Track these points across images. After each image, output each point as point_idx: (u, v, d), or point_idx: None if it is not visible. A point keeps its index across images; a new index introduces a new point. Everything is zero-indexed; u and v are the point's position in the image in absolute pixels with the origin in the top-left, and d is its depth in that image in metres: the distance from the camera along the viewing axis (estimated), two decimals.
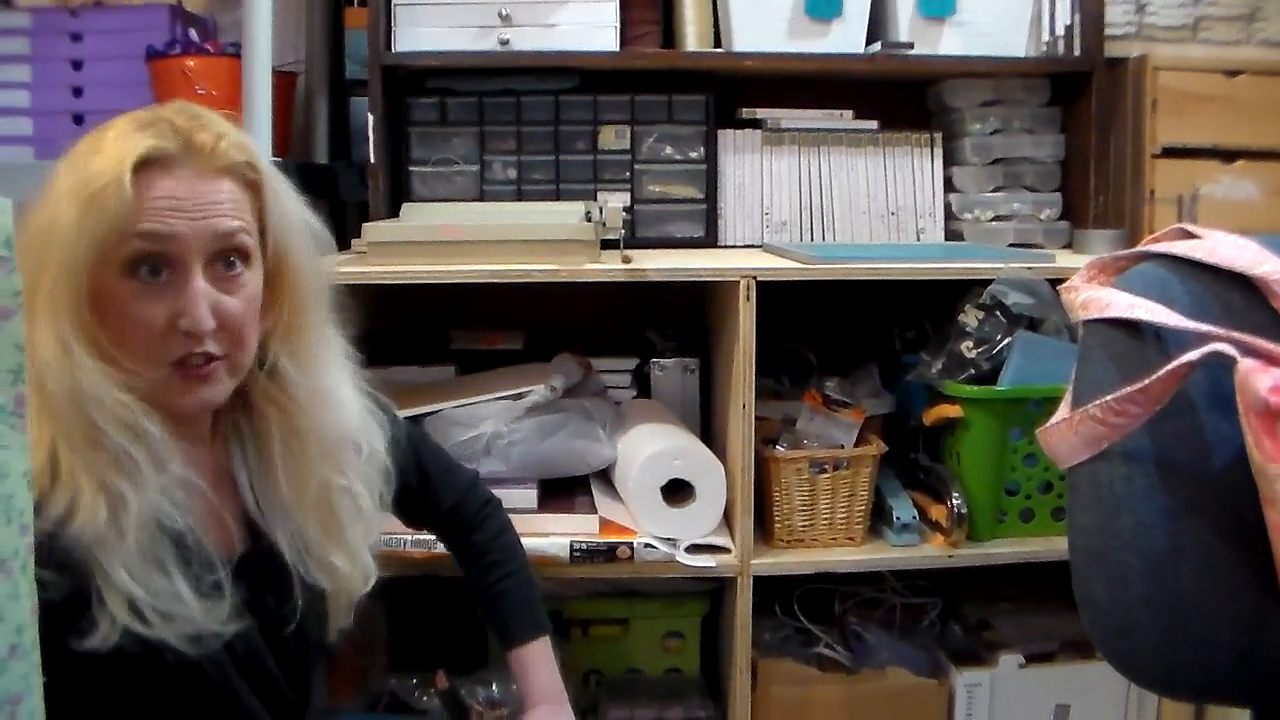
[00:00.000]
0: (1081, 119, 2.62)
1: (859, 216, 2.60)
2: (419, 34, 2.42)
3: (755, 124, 2.59)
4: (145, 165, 1.19)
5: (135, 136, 1.20)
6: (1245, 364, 1.05)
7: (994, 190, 2.64)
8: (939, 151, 2.64)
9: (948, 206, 2.65)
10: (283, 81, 2.43)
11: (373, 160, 2.39)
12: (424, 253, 2.00)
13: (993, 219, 2.63)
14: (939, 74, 2.66)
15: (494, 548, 1.76)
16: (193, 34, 2.39)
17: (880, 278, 2.06)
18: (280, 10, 2.35)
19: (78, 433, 1.15)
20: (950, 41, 2.55)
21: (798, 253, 2.18)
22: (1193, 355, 1.07)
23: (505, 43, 2.40)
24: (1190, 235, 1.27)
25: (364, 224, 2.13)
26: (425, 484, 1.72)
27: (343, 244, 2.49)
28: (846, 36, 2.51)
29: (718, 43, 2.54)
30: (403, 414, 2.06)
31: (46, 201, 1.19)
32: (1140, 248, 1.28)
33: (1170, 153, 2.56)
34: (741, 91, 2.65)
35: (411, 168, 2.52)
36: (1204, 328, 1.11)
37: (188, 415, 1.29)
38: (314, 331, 1.38)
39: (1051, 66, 2.63)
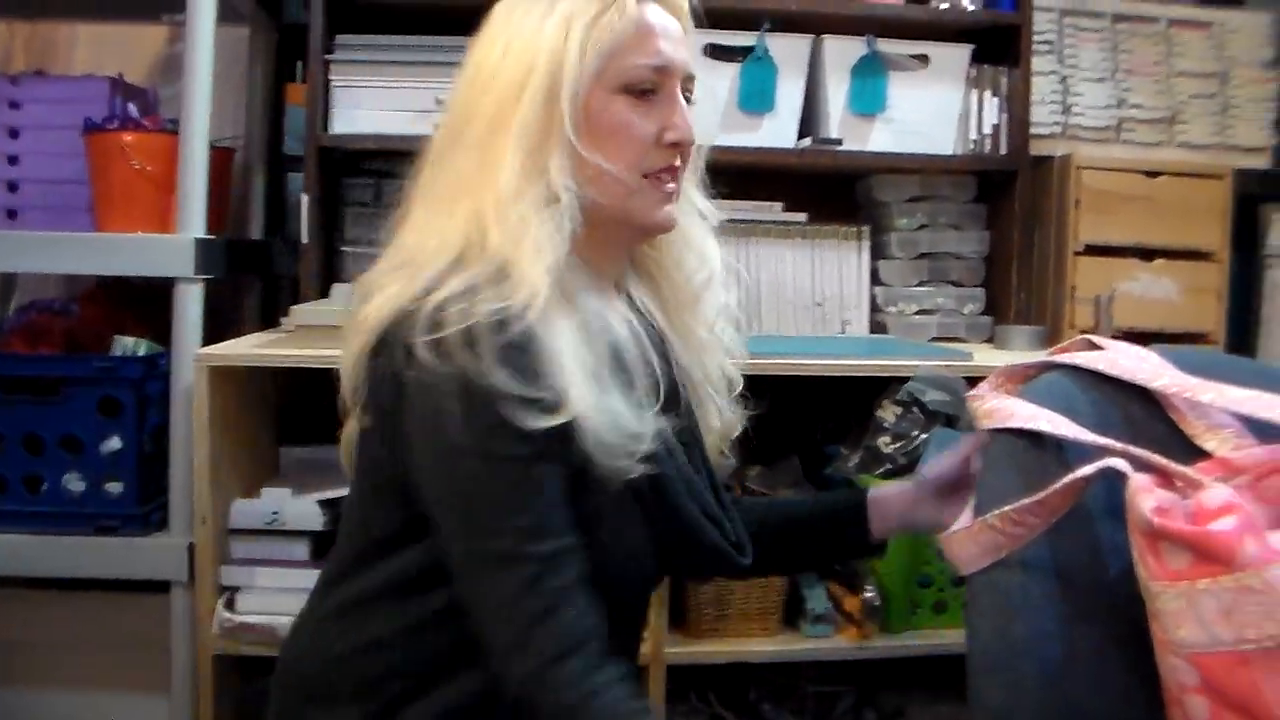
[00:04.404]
0: (1006, 216, 2.68)
1: (785, 307, 2.64)
2: (356, 116, 2.44)
3: None
4: None
5: None
6: (1134, 481, 1.07)
7: (919, 284, 2.69)
8: (866, 245, 2.69)
9: (873, 299, 2.70)
10: (220, 157, 2.44)
11: (305, 240, 2.41)
12: None
13: (917, 312, 2.67)
14: (868, 169, 2.71)
15: None
16: (132, 108, 2.40)
17: (797, 374, 2.10)
18: (220, 84, 2.36)
19: (551, 252, 1.22)
20: (880, 138, 2.60)
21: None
22: (1086, 471, 1.09)
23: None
24: (1095, 346, 1.31)
25: (292, 306, 2.16)
26: None
27: (274, 321, 2.51)
28: (778, 131, 2.57)
29: None
30: (331, 494, 2.08)
31: (506, 34, 1.30)
32: (1045, 358, 1.32)
33: (1092, 250, 2.62)
34: None
35: (344, 247, 2.54)
36: (1101, 441, 1.13)
37: (650, 231, 1.37)
38: (688, 186, 1.44)
39: (978, 164, 2.69)
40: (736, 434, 1.50)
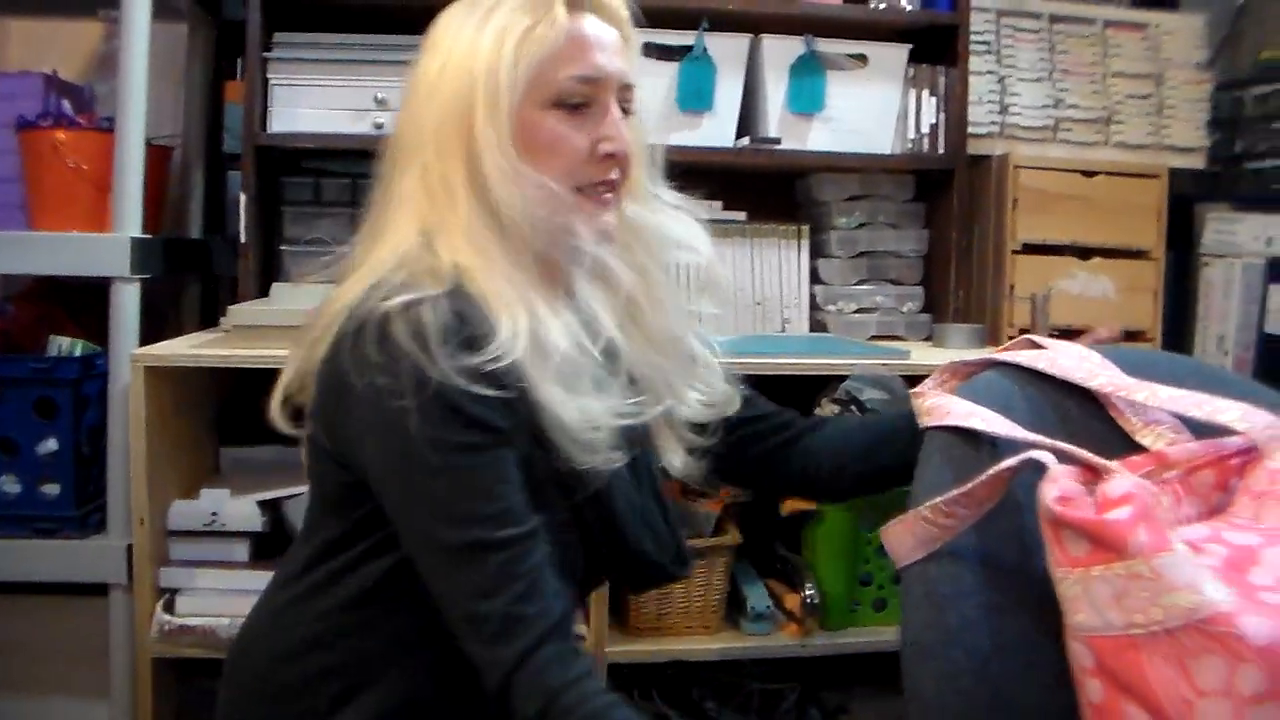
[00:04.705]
0: (945, 215, 2.70)
1: (725, 306, 2.63)
2: (295, 115, 2.43)
3: None
4: (569, 7, 1.30)
5: None
6: (1050, 472, 1.09)
7: (858, 283, 2.71)
8: (806, 243, 2.71)
9: (813, 298, 2.71)
10: (157, 154, 2.42)
11: (244, 239, 2.39)
12: (287, 336, 1.99)
13: (856, 311, 2.69)
14: (806, 168, 2.72)
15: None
16: (66, 105, 2.37)
17: (738, 373, 2.10)
18: (158, 82, 2.34)
19: (508, 263, 1.25)
20: (818, 137, 2.62)
21: None
22: (1011, 461, 1.12)
23: (380, 127, 2.41)
24: (1037, 345, 1.33)
25: (230, 306, 2.15)
26: None
27: (214, 320, 2.49)
28: (717, 130, 2.58)
29: None
30: (270, 495, 2.08)
31: (447, 46, 1.30)
32: (987, 356, 1.34)
33: (1030, 249, 2.65)
34: None
35: (283, 246, 2.52)
36: (1030, 436, 1.15)
37: (588, 240, 1.34)
38: (649, 184, 1.45)
39: (916, 163, 2.71)
40: (734, 409, 1.50)
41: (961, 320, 2.66)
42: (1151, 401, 1.21)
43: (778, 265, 2.68)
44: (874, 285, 2.73)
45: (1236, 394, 1.21)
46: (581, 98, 1.30)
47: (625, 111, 1.35)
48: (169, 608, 2.05)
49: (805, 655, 2.21)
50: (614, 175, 1.33)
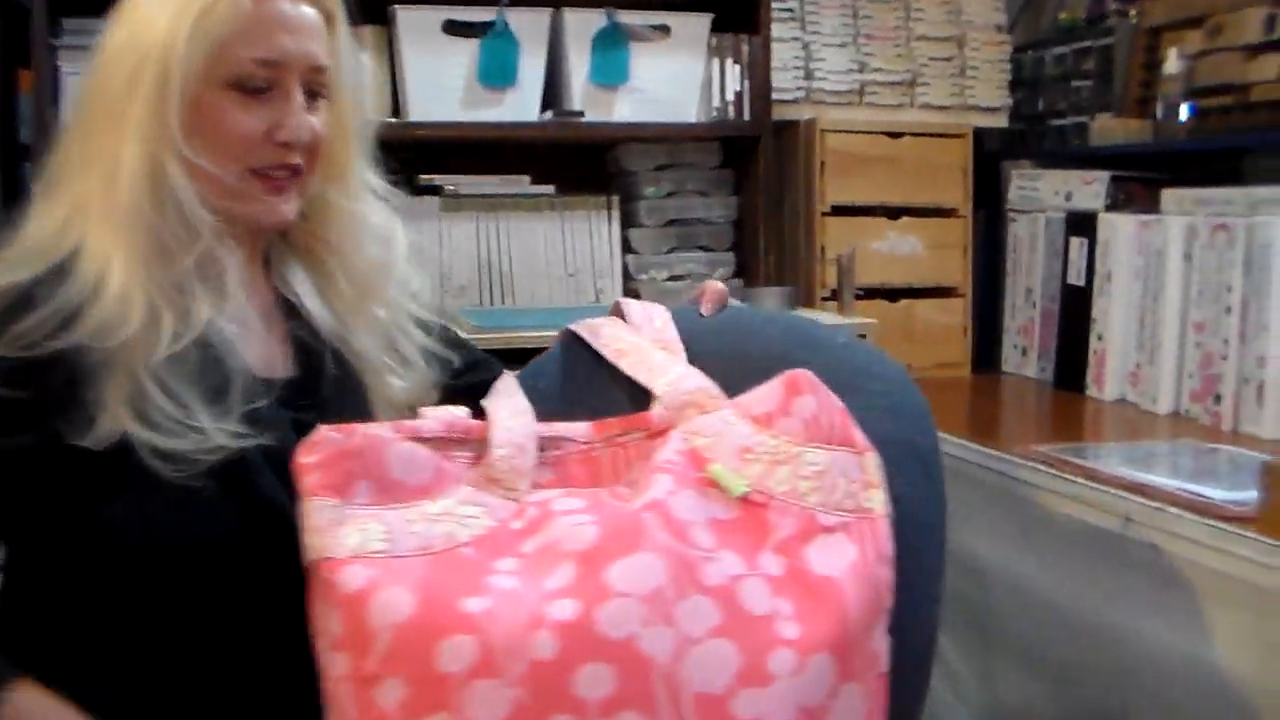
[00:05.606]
0: (753, 180, 2.74)
1: (539, 279, 2.66)
2: None
3: (434, 190, 2.62)
4: None
5: None
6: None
7: (669, 251, 2.73)
8: (616, 214, 2.72)
9: (625, 267, 2.73)
10: None
11: None
12: None
13: (668, 279, 2.72)
14: (613, 139, 2.74)
15: None
16: None
17: (543, 346, 2.10)
18: None
19: (150, 248, 1.19)
20: (623, 108, 2.63)
21: (464, 321, 2.22)
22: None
23: None
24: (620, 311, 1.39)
25: None
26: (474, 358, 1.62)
27: None
28: (521, 105, 2.57)
29: (396, 113, 2.56)
30: None
31: (132, 17, 1.24)
32: (567, 326, 1.41)
33: (839, 211, 2.70)
34: (420, 159, 2.66)
35: None
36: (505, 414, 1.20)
37: (261, 228, 1.32)
38: (356, 169, 1.39)
39: (722, 131, 2.74)
40: (429, 405, 1.41)
41: (774, 284, 2.69)
42: (636, 373, 1.25)
43: (589, 236, 2.69)
44: (685, 253, 2.75)
45: (823, 352, 1.28)
46: (262, 81, 1.25)
47: (316, 95, 1.30)
48: None
49: None
50: (294, 160, 1.29)
